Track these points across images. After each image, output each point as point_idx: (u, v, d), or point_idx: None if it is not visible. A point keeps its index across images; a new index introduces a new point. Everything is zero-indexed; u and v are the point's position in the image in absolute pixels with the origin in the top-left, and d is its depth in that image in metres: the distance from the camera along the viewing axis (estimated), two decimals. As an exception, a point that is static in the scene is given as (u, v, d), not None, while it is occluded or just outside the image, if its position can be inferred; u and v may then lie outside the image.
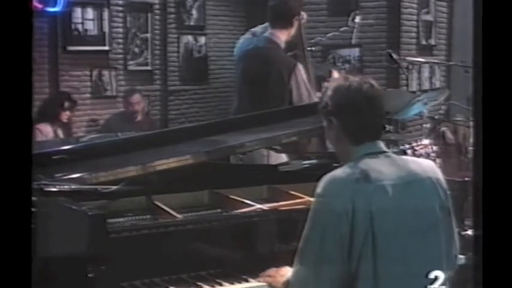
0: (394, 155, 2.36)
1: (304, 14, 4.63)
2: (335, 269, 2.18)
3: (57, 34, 6.78)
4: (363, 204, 2.17)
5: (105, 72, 7.21)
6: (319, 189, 2.23)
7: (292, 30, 4.49)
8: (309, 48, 6.42)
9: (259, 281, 2.58)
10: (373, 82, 2.34)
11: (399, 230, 2.21)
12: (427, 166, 2.36)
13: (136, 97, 7.00)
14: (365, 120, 2.30)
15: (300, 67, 4.39)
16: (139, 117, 6.98)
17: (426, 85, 8.05)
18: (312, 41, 6.51)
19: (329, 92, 2.34)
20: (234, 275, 2.62)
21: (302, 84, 4.34)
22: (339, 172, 2.25)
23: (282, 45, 4.48)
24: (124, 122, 6.86)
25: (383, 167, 2.26)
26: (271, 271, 2.56)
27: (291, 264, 2.35)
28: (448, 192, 2.34)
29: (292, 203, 2.94)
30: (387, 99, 2.38)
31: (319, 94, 4.71)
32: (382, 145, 2.34)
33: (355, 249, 2.16)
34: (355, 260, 2.16)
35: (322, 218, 2.21)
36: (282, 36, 4.47)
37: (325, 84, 2.43)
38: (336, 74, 5.63)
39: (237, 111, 4.52)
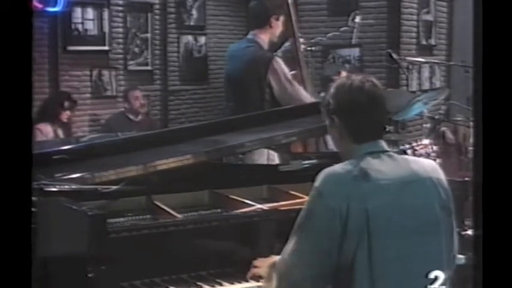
0: (395, 155, 2.36)
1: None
2: (324, 265, 2.18)
3: (57, 34, 6.79)
4: (358, 202, 2.16)
5: (105, 72, 7.21)
6: (317, 182, 2.23)
7: (275, 31, 4.60)
8: (309, 48, 6.47)
9: (248, 276, 2.59)
10: (375, 81, 2.34)
11: (398, 230, 2.21)
12: (428, 166, 2.36)
13: (136, 92, 7.00)
14: (367, 118, 2.30)
15: (278, 60, 4.48)
16: (140, 116, 6.97)
17: (426, 85, 8.06)
18: (312, 40, 6.53)
19: (331, 91, 2.34)
20: (234, 275, 2.62)
21: (282, 77, 4.43)
22: (338, 168, 2.25)
23: (264, 45, 4.59)
24: (124, 120, 6.86)
25: (384, 166, 2.26)
26: (258, 262, 2.59)
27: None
28: (450, 192, 2.34)
29: (292, 203, 2.94)
30: (387, 99, 2.38)
31: (323, 94, 4.76)
32: (383, 144, 2.33)
33: (348, 247, 2.15)
34: (349, 258, 2.16)
35: (316, 212, 2.21)
36: (264, 36, 4.58)
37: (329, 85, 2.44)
38: (344, 75, 5.67)
39: (225, 111, 4.68)
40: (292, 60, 4.65)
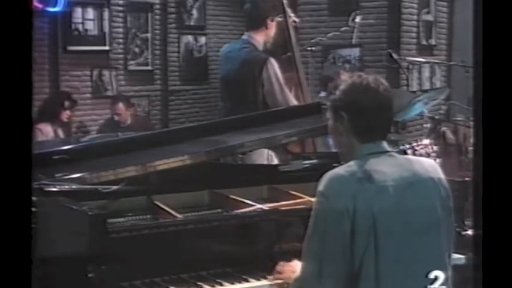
0: (397, 155, 2.36)
1: (295, 18, 4.71)
2: (337, 268, 2.18)
3: (57, 34, 6.79)
4: (365, 204, 2.17)
5: (106, 72, 7.22)
6: (321, 186, 2.23)
7: (270, 32, 4.61)
8: (309, 48, 6.47)
9: (271, 281, 2.57)
10: (386, 83, 2.35)
11: (402, 230, 2.21)
12: (430, 166, 2.36)
13: (120, 107, 6.85)
14: (376, 119, 2.31)
15: (272, 61, 4.48)
16: (128, 121, 6.87)
17: (427, 85, 8.06)
18: (313, 41, 6.53)
19: (343, 87, 2.33)
20: (234, 275, 2.62)
21: (273, 79, 4.45)
22: (342, 170, 2.25)
23: (259, 46, 4.60)
24: (114, 125, 6.80)
25: (386, 167, 2.26)
26: (280, 267, 2.56)
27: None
28: (450, 191, 2.34)
29: (293, 203, 2.94)
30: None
31: (323, 94, 4.76)
32: (385, 145, 2.34)
33: (357, 248, 2.16)
34: (358, 259, 2.16)
35: (323, 216, 2.21)
36: (259, 38, 4.60)
37: (331, 84, 2.43)
38: (344, 75, 5.67)
39: (221, 112, 4.76)
40: (288, 62, 4.64)
